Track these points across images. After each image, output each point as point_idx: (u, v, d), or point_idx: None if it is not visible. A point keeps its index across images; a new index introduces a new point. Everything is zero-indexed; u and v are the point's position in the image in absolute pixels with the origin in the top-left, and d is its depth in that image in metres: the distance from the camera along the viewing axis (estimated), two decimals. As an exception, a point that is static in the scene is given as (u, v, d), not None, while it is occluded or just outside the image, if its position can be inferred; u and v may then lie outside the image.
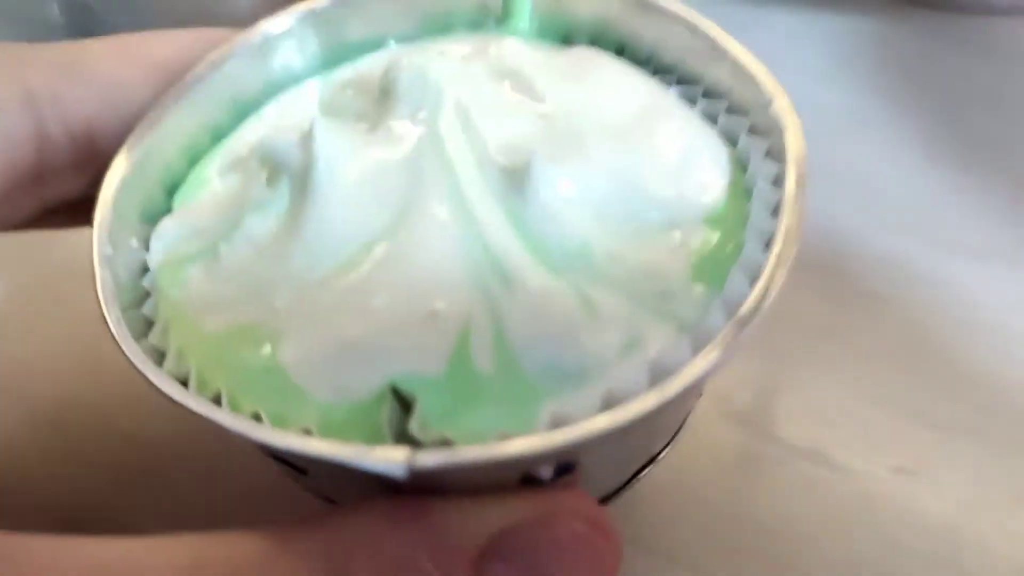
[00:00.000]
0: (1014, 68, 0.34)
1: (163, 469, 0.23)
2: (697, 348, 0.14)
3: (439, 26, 0.20)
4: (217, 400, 0.15)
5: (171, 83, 0.18)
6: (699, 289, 0.15)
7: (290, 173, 0.16)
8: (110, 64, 0.18)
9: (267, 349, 0.15)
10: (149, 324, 0.17)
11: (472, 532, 0.13)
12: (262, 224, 0.16)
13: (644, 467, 0.18)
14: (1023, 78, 0.34)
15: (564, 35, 0.20)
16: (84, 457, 0.23)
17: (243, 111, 0.19)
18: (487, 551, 0.13)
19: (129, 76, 0.18)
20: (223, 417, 0.14)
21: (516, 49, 0.19)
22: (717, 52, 0.18)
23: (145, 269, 0.17)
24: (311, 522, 0.14)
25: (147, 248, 0.17)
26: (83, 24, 0.36)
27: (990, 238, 0.28)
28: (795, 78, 0.34)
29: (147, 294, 0.17)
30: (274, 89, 0.20)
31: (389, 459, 0.13)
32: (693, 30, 0.18)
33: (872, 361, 0.25)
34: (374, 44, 0.20)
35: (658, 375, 0.14)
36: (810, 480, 0.23)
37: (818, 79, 0.34)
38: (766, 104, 0.17)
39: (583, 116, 0.17)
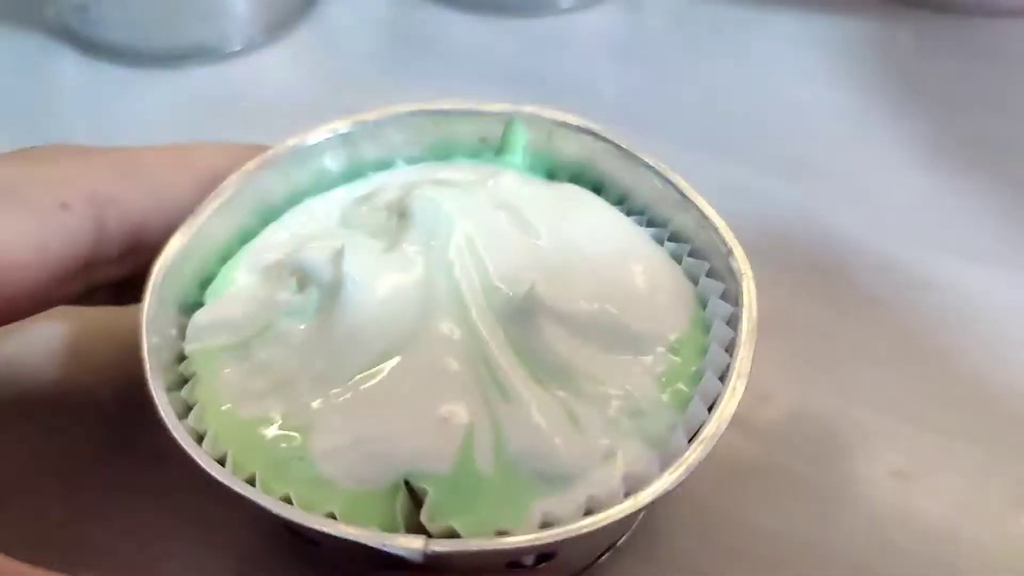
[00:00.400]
0: (1014, 70, 0.34)
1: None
2: (664, 463, 0.17)
3: (442, 153, 0.23)
4: (252, 482, 0.17)
5: (212, 189, 0.21)
6: (665, 411, 0.18)
7: (320, 285, 0.19)
8: (163, 171, 0.21)
9: (297, 440, 0.18)
10: (187, 407, 0.19)
11: None
12: (293, 327, 0.19)
13: (605, 552, 0.21)
14: (1022, 80, 0.34)
15: (549, 171, 0.23)
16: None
17: (269, 216, 0.22)
18: None
19: (179, 182, 0.21)
20: (268, 502, 0.16)
21: (511, 183, 0.21)
22: (685, 202, 0.21)
23: (182, 357, 0.20)
24: None
25: (183, 337, 0.20)
26: (78, 22, 0.36)
27: (989, 242, 0.28)
28: (794, 80, 0.34)
29: (184, 380, 0.19)
30: (297, 198, 0.22)
31: (410, 546, 0.16)
32: (664, 180, 0.21)
33: (869, 365, 0.25)
34: (385, 163, 0.23)
35: (630, 483, 0.17)
36: (808, 484, 0.23)
37: (817, 81, 0.34)
38: (726, 254, 0.20)
39: (571, 248, 0.20)
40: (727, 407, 0.17)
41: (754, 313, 0.19)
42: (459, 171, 0.22)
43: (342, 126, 0.22)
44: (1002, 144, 0.31)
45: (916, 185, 0.30)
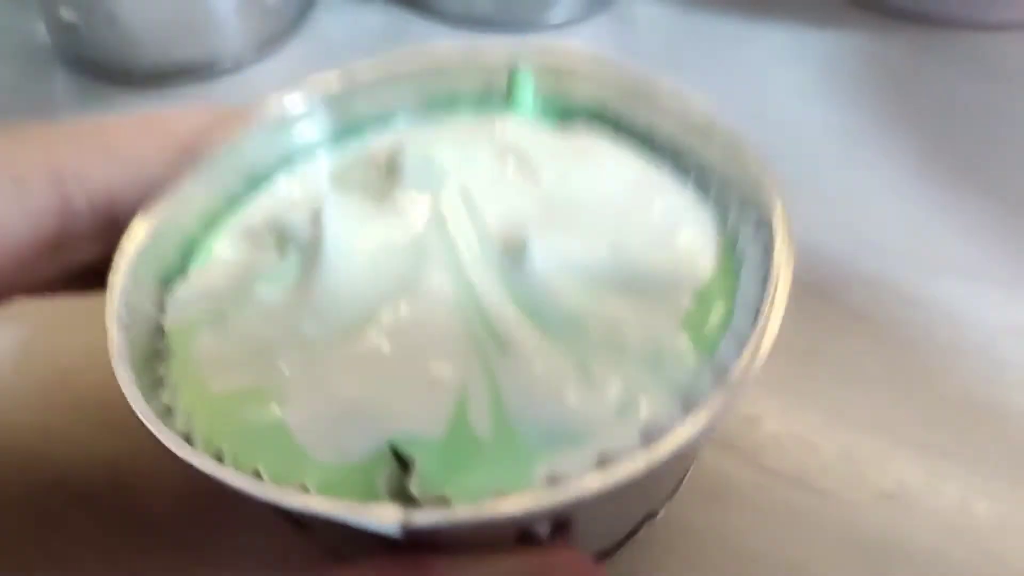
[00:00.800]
0: (1005, 84, 0.34)
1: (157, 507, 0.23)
2: (688, 411, 0.15)
3: (445, 104, 0.22)
4: (220, 458, 0.16)
5: (186, 156, 0.19)
6: (690, 355, 0.16)
7: (300, 246, 0.18)
8: (130, 140, 0.19)
9: (272, 409, 0.16)
10: (161, 383, 0.17)
11: None
12: (271, 292, 0.17)
13: (641, 524, 0.19)
14: (1013, 94, 0.34)
15: (563, 114, 0.21)
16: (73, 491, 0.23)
17: (257, 181, 0.21)
18: None
19: (148, 151, 0.19)
20: (225, 474, 0.14)
21: (518, 128, 0.20)
22: (710, 131, 0.19)
23: (161, 331, 0.18)
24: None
25: (163, 311, 0.18)
26: (68, 41, 0.36)
27: (978, 259, 0.28)
28: (785, 95, 0.34)
29: (160, 355, 0.18)
30: (286, 160, 0.21)
31: (382, 517, 0.13)
32: (687, 110, 0.19)
33: (857, 385, 0.25)
34: (383, 118, 0.22)
35: (651, 436, 0.15)
36: (795, 506, 0.22)
37: (807, 97, 0.34)
38: (756, 177, 0.18)
39: (579, 193, 0.18)
40: (762, 345, 0.15)
41: (788, 242, 0.17)
42: (463, 123, 0.21)
43: (333, 85, 0.21)
44: (993, 160, 0.31)
45: (905, 201, 0.30)
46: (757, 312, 0.16)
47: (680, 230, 0.18)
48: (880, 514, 0.22)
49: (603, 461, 0.15)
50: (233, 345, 0.17)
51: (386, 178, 0.19)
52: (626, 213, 0.18)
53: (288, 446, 0.16)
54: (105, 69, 0.36)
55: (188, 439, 0.16)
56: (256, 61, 0.36)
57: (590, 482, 0.13)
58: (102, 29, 0.35)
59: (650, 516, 0.19)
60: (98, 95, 0.35)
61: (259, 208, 0.20)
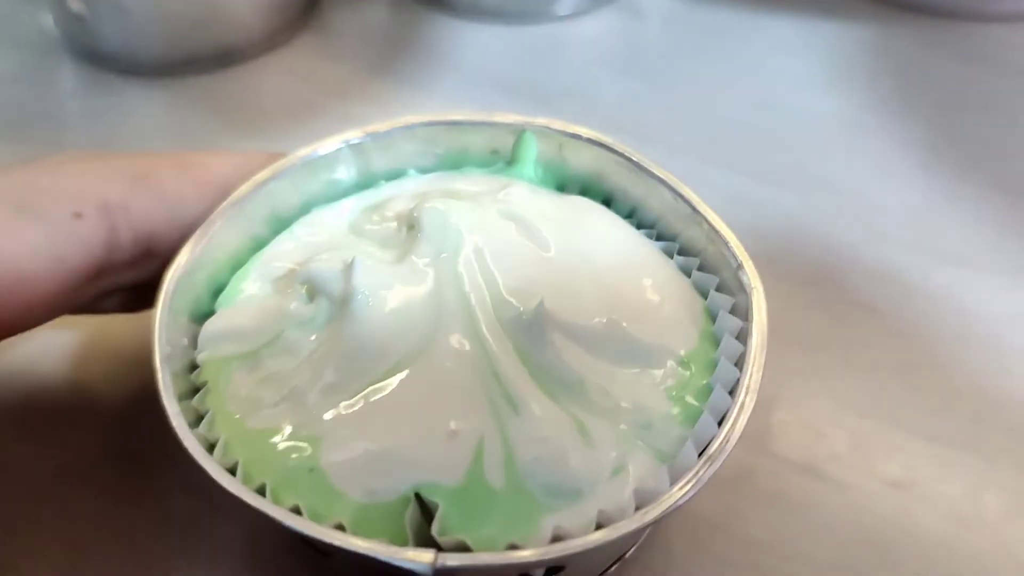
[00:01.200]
0: (1010, 75, 0.34)
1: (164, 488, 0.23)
2: (674, 477, 0.17)
3: (453, 163, 0.23)
4: (262, 492, 0.17)
5: (221, 197, 0.21)
6: (675, 425, 0.18)
7: (330, 297, 0.19)
8: (173, 179, 0.21)
9: (308, 451, 0.18)
10: (198, 416, 0.19)
11: None
12: (302, 338, 0.19)
13: (613, 564, 0.21)
14: (1020, 85, 0.34)
15: (560, 183, 0.23)
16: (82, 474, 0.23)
17: (280, 226, 0.22)
18: None
19: (188, 191, 0.21)
20: (279, 514, 0.16)
21: (522, 195, 0.21)
22: (695, 215, 0.21)
23: (193, 366, 0.20)
24: None
25: (194, 346, 0.20)
26: (77, 32, 0.36)
27: (985, 249, 0.28)
28: (791, 86, 0.34)
29: (195, 389, 0.19)
30: (307, 207, 0.22)
31: (419, 559, 0.16)
32: (675, 193, 0.21)
33: (866, 373, 0.25)
34: (396, 173, 0.23)
35: (640, 497, 0.17)
36: (804, 494, 0.23)
37: (814, 87, 0.34)
38: (736, 268, 0.20)
39: (580, 264, 0.20)
40: (737, 422, 0.17)
41: (764, 328, 0.19)
42: (470, 182, 0.22)
43: (354, 136, 0.22)
44: (999, 150, 0.31)
45: (913, 192, 0.30)
46: (732, 390, 0.18)
47: (668, 304, 0.20)
48: (888, 502, 0.22)
49: (600, 519, 0.17)
50: (267, 385, 0.19)
51: (406, 233, 0.20)
52: (622, 284, 0.20)
53: (324, 486, 0.17)
54: (113, 60, 0.36)
55: (230, 470, 0.18)
56: (264, 53, 0.37)
57: (593, 538, 0.16)
58: (110, 20, 0.35)
59: (620, 558, 0.21)
60: (106, 86, 0.35)
61: (282, 252, 0.21)
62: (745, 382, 0.18)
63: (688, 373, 0.19)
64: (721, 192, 0.22)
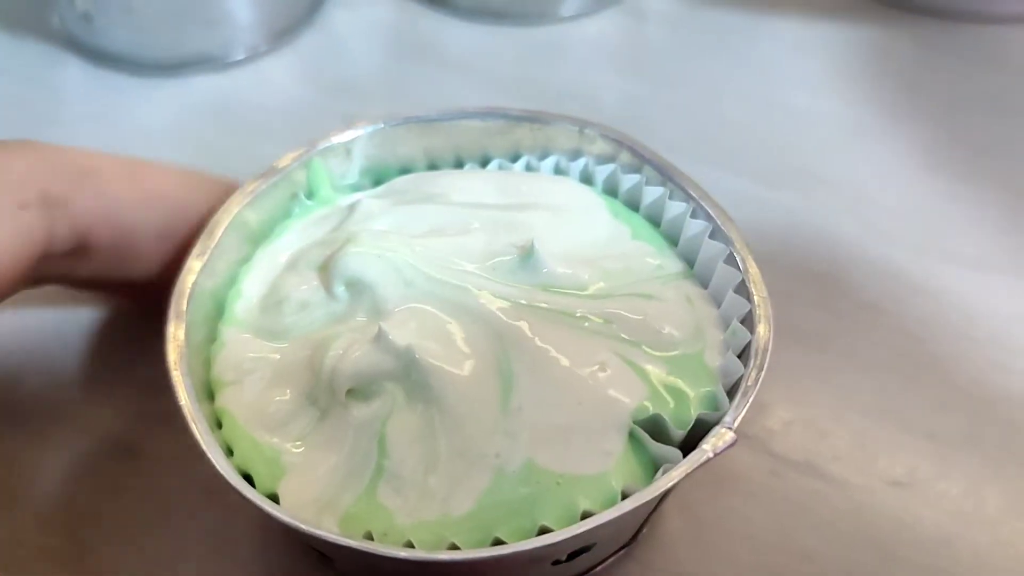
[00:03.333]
0: (1012, 76, 0.34)
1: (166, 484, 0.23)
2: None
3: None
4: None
5: (161, 209, 0.21)
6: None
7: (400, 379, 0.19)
8: (117, 184, 0.21)
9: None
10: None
11: None
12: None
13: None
14: (1022, 86, 0.34)
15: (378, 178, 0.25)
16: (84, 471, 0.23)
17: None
18: None
19: (129, 195, 0.21)
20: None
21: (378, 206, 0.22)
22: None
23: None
24: None
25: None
26: (82, 30, 0.36)
27: (987, 248, 0.28)
28: (793, 87, 0.35)
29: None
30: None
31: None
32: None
33: (867, 372, 0.25)
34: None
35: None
36: (805, 493, 0.23)
37: (816, 88, 0.34)
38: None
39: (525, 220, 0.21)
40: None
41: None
42: (315, 227, 0.23)
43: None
44: (1001, 150, 0.31)
45: (915, 191, 0.30)
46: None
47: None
48: (890, 501, 0.22)
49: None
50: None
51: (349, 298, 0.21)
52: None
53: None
54: (118, 59, 0.36)
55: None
56: (268, 52, 0.37)
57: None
58: (115, 19, 0.35)
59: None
60: (111, 85, 0.35)
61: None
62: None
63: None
64: (723, 191, 0.22)
